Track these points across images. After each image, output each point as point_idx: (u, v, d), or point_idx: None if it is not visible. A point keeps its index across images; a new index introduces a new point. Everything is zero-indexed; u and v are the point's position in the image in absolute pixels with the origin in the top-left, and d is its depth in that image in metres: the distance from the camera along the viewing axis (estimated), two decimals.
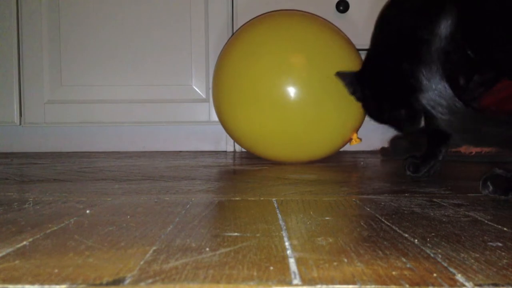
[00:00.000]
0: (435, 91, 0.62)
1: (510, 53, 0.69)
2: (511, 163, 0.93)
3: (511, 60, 0.70)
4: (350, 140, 1.06)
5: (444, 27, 0.64)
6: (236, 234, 0.42)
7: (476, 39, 0.72)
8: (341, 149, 1.37)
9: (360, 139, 1.06)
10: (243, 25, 1.17)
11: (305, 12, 1.19)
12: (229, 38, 1.20)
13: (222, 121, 1.13)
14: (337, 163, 1.10)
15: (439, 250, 0.37)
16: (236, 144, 1.43)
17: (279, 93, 1.00)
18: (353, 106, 1.03)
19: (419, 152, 0.88)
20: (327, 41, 1.04)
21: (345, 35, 1.13)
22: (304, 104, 1.00)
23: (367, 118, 1.11)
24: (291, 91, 0.99)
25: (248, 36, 1.07)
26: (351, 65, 1.04)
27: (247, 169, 0.98)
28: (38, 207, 0.55)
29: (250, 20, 1.17)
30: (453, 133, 0.65)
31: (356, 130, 1.07)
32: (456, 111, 0.62)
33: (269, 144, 1.05)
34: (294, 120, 1.00)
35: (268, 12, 1.19)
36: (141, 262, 0.34)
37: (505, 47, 0.69)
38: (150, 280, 0.30)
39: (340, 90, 1.02)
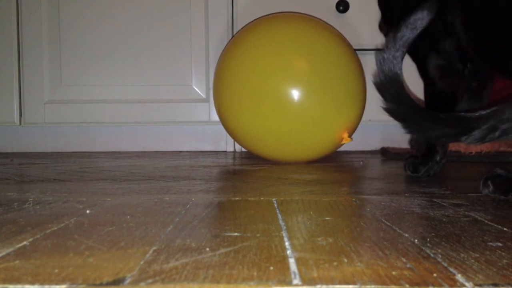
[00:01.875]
0: (387, 77, 0.64)
1: (499, 49, 0.70)
2: None
3: (499, 55, 0.71)
4: (341, 139, 1.06)
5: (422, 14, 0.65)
6: (236, 234, 0.42)
7: (471, 32, 0.73)
8: (341, 149, 1.37)
9: (351, 138, 1.05)
10: (244, 26, 1.17)
11: (305, 14, 1.19)
12: (230, 39, 1.20)
13: (223, 120, 1.13)
14: (337, 163, 1.10)
15: (439, 250, 0.37)
16: (236, 144, 1.43)
17: (279, 94, 1.00)
18: (351, 106, 1.03)
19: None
20: (326, 43, 1.05)
21: (344, 36, 1.13)
22: (304, 105, 1.00)
23: (363, 121, 1.12)
24: (291, 91, 0.99)
25: (249, 37, 1.07)
26: (350, 66, 1.05)
27: (247, 169, 0.98)
28: (38, 207, 0.55)
29: (252, 21, 1.17)
30: (397, 122, 0.67)
31: (348, 130, 1.06)
32: (402, 101, 0.64)
33: (269, 144, 1.05)
34: (294, 120, 1.00)
35: (269, 14, 1.19)
36: (141, 262, 0.34)
37: (495, 44, 0.70)
38: (150, 280, 0.30)
39: (339, 90, 1.02)
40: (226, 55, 1.09)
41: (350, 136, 1.06)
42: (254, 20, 1.17)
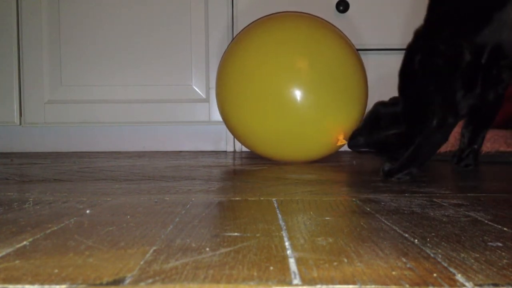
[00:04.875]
0: None
1: None
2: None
3: None
4: (337, 140, 1.05)
5: None
6: (236, 234, 0.42)
7: None
8: (341, 149, 1.37)
9: (346, 140, 1.05)
10: (248, 25, 1.17)
11: (308, 14, 1.19)
12: (233, 38, 1.20)
13: (225, 119, 1.13)
14: (337, 163, 1.10)
15: (439, 250, 0.37)
16: (236, 144, 1.43)
17: (281, 93, 1.00)
18: (353, 107, 1.04)
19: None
20: (329, 43, 1.05)
21: (346, 36, 1.13)
22: (305, 105, 1.00)
23: None
24: (293, 91, 0.99)
25: (252, 37, 1.07)
26: (352, 66, 1.04)
27: (247, 169, 0.98)
28: (38, 207, 0.55)
29: (255, 20, 1.17)
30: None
31: (348, 131, 1.06)
32: None
33: (270, 143, 1.05)
34: (295, 120, 1.00)
35: (272, 14, 1.19)
36: (141, 262, 0.34)
37: None
38: (150, 280, 0.30)
39: (341, 91, 1.02)
40: (229, 53, 1.10)
41: (346, 138, 1.05)
42: (258, 19, 1.17)
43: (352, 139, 0.99)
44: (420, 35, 0.87)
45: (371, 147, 0.97)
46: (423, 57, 0.83)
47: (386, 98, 1.03)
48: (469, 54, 0.80)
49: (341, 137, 1.04)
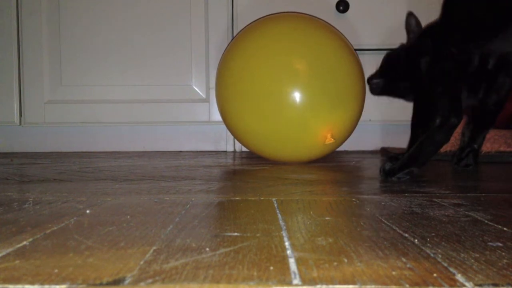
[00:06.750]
0: None
1: None
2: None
3: None
4: (325, 139, 1.04)
5: None
6: (236, 234, 0.42)
7: None
8: (341, 149, 1.37)
9: (334, 139, 1.04)
10: (247, 25, 1.17)
11: (306, 14, 1.19)
12: (233, 38, 1.20)
13: (225, 119, 1.13)
14: (336, 163, 1.10)
15: (439, 250, 0.37)
16: (236, 144, 1.43)
17: (281, 94, 1.00)
18: (350, 106, 1.04)
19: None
20: (328, 44, 1.05)
21: (344, 37, 1.13)
22: (305, 105, 1.00)
23: (363, 120, 1.12)
24: (290, 92, 1.00)
25: (251, 37, 1.07)
26: (350, 67, 1.05)
27: (247, 169, 0.98)
28: (38, 207, 0.55)
29: (254, 20, 1.17)
30: None
31: (346, 130, 1.06)
32: None
33: (269, 143, 1.05)
34: (295, 120, 1.00)
35: (271, 14, 1.19)
36: (141, 262, 0.34)
37: None
38: (150, 280, 0.30)
39: (338, 91, 1.02)
40: (229, 53, 1.10)
41: (334, 137, 1.04)
42: (257, 19, 1.17)
43: (371, 81, 1.01)
44: (429, 36, 0.87)
45: (390, 89, 0.99)
46: (432, 59, 0.83)
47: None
48: (477, 59, 0.81)
49: (329, 136, 1.03)
